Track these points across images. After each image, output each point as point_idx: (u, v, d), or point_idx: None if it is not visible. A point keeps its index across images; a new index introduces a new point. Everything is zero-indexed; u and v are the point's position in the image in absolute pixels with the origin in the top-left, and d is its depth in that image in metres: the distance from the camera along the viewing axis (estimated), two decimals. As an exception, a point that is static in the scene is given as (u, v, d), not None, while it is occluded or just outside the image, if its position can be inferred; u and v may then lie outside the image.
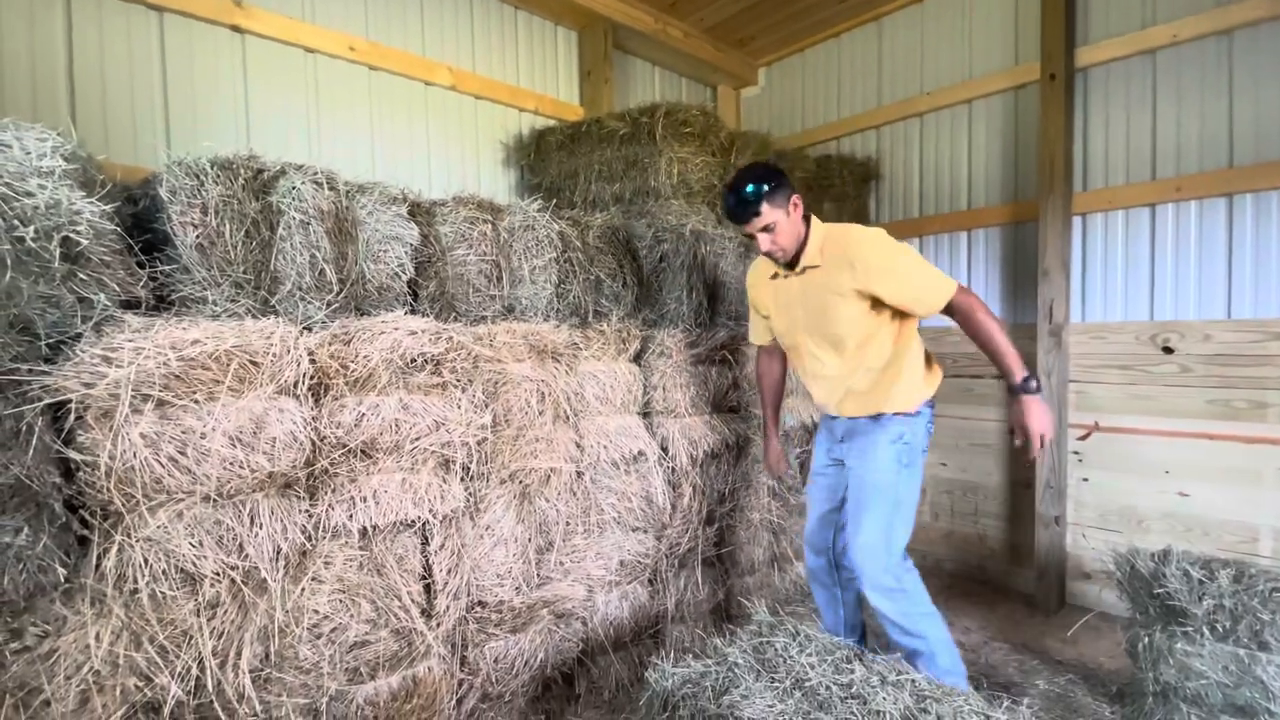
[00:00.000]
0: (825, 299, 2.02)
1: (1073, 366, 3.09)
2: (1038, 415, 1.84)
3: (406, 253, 1.96)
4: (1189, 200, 2.83)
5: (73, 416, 1.39)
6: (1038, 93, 3.14)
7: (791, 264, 2.09)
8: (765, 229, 1.97)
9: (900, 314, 2.02)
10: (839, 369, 2.09)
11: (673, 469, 2.70)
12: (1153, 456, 2.91)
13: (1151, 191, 2.91)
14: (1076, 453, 3.11)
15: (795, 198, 1.99)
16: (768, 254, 2.05)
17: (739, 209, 1.96)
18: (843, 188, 3.75)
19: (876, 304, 1.99)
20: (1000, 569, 3.42)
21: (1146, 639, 2.01)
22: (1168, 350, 2.87)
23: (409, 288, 2.05)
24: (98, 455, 1.39)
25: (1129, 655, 2.12)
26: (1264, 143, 2.63)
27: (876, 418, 2.07)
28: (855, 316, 2.00)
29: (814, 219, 2.07)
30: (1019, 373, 1.86)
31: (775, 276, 2.19)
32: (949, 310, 1.95)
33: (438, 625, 1.99)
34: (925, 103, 3.66)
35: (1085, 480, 3.09)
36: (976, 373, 3.50)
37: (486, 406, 2.07)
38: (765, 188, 1.92)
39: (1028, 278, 3.26)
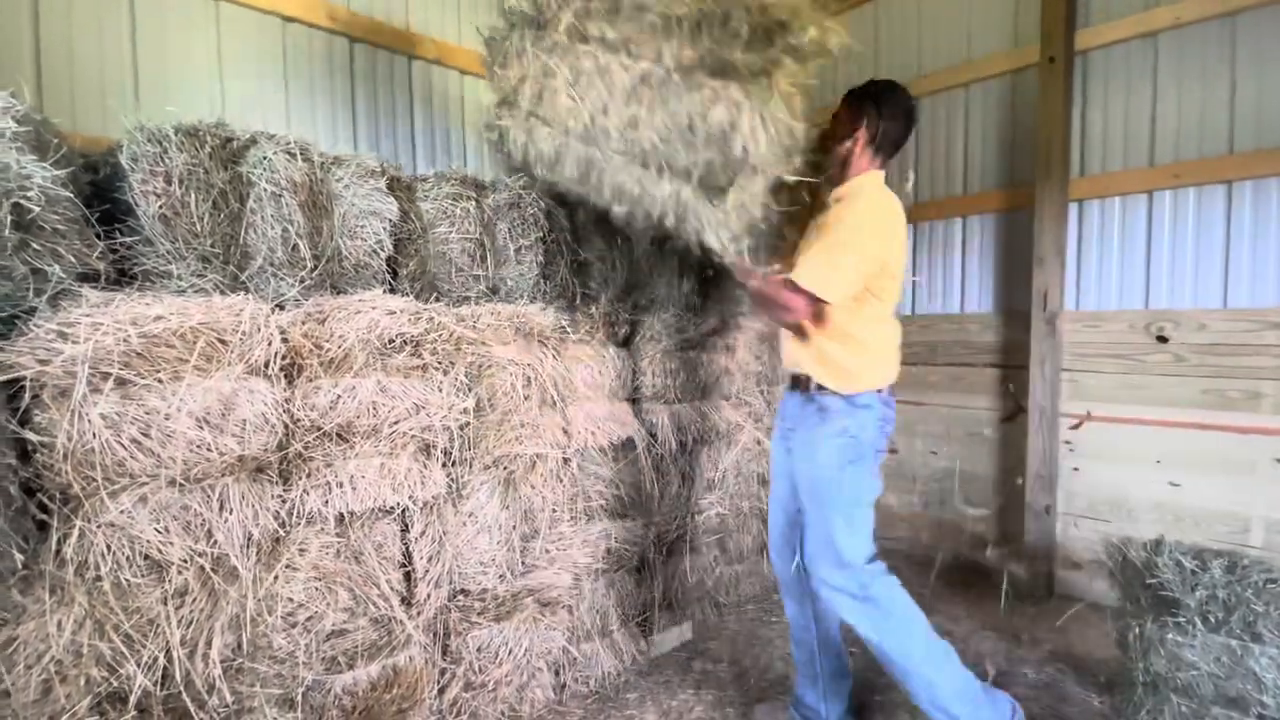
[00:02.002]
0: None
1: (1066, 355, 3.06)
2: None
3: (385, 229, 1.89)
4: (1187, 187, 2.79)
5: (28, 395, 1.32)
6: (1036, 76, 3.08)
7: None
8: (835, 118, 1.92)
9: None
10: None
11: (661, 456, 2.66)
12: (1144, 446, 2.89)
13: (1149, 178, 2.86)
14: (1068, 442, 3.09)
15: (864, 130, 1.85)
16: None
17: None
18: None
19: None
20: (990, 557, 3.41)
21: (1137, 629, 1.99)
22: (1162, 339, 2.84)
23: (388, 265, 1.98)
24: (55, 436, 1.32)
25: (1119, 645, 2.11)
26: (1266, 129, 2.59)
27: (819, 408, 1.87)
28: None
29: (876, 172, 1.88)
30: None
31: None
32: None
33: (418, 614, 1.94)
34: (922, 86, 3.58)
35: (1076, 470, 3.07)
36: (968, 361, 3.47)
37: (470, 390, 2.01)
38: (864, 90, 1.89)
39: (1022, 265, 3.22)
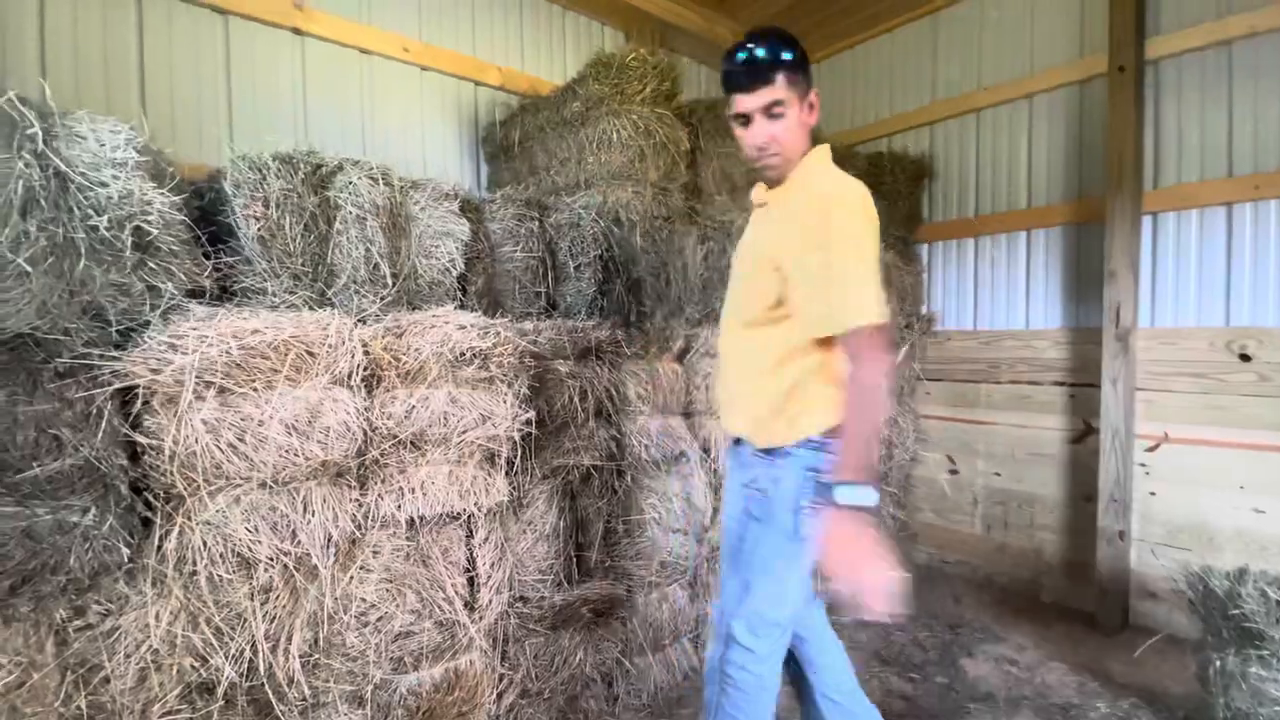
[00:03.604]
0: (758, 253, 1.52)
1: (1141, 373, 2.94)
2: (842, 544, 1.25)
3: (458, 248, 1.98)
4: (1269, 199, 2.67)
5: (140, 401, 1.43)
6: (1104, 86, 3.00)
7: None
8: (770, 110, 1.40)
9: None
10: (729, 349, 1.61)
11: (715, 471, 2.66)
12: (1226, 470, 2.74)
13: (1228, 190, 2.75)
14: (1143, 465, 2.95)
15: (815, 94, 1.47)
16: (759, 154, 1.46)
17: (744, 69, 1.40)
18: (894, 185, 3.65)
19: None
20: (1058, 585, 3.27)
21: (1219, 662, 1.90)
22: (1244, 358, 2.70)
23: (458, 283, 2.07)
24: (162, 440, 1.43)
25: (1198, 679, 2.01)
26: (1354, 138, 2.46)
27: (736, 444, 1.59)
28: (765, 284, 1.45)
29: (823, 148, 1.50)
30: (845, 473, 1.28)
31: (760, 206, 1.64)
32: (844, 347, 1.36)
33: (480, 619, 1.99)
34: (983, 98, 3.54)
35: (1152, 494, 2.94)
36: (1033, 379, 3.36)
37: (530, 402, 2.07)
38: (785, 55, 1.39)
39: (1092, 280, 3.12)
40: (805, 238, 1.36)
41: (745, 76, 1.40)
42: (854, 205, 1.36)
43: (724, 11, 3.87)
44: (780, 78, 1.39)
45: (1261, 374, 2.66)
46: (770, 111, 1.40)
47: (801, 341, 1.42)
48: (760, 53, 1.39)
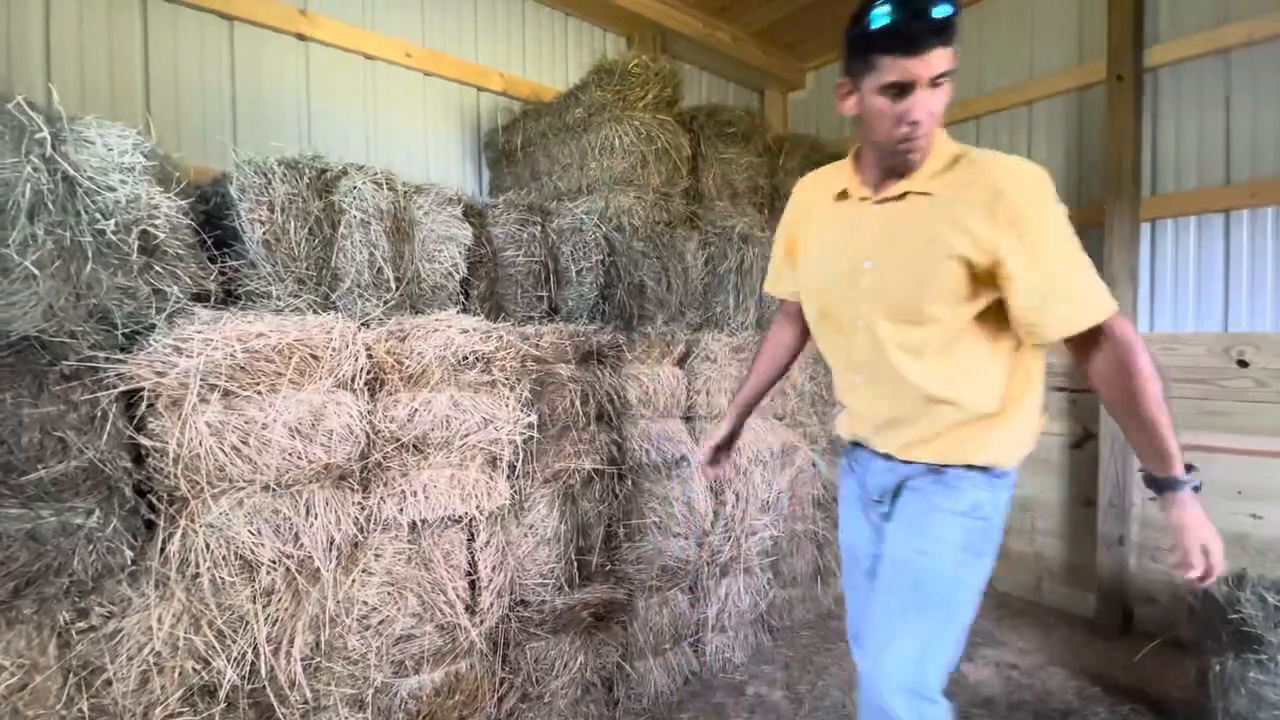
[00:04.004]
0: (927, 249, 1.21)
1: (1138, 379, 2.95)
2: (1205, 527, 1.15)
3: (460, 253, 1.99)
4: (1265, 206, 2.69)
5: (144, 404, 1.44)
6: (1103, 94, 3.02)
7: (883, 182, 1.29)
8: (937, 80, 1.13)
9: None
10: (915, 371, 1.28)
11: (715, 475, 2.67)
12: (1224, 476, 2.75)
13: (1225, 196, 2.77)
14: (1142, 470, 2.96)
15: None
16: (912, 132, 1.17)
17: (916, 25, 1.09)
18: (893, 192, 3.67)
19: (989, 285, 1.20)
20: (1058, 590, 3.28)
21: (1217, 667, 1.91)
22: (1242, 363, 2.71)
23: (461, 287, 2.07)
24: (166, 442, 1.44)
25: (1197, 684, 2.02)
26: (1350, 145, 2.48)
27: (942, 470, 1.31)
28: (962, 290, 1.21)
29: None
30: (1180, 461, 1.17)
31: (843, 196, 1.36)
32: (1092, 341, 1.20)
33: (481, 622, 2.00)
34: (982, 105, 3.56)
35: (1152, 499, 2.94)
36: (1032, 384, 3.37)
37: (532, 405, 2.08)
38: (956, 10, 1.10)
39: (1089, 286, 3.13)
40: (1037, 214, 1.15)
41: (917, 35, 1.09)
42: (1050, 183, 1.18)
43: (725, 18, 3.90)
44: (953, 39, 1.12)
45: (1259, 380, 2.67)
46: (937, 81, 1.13)
47: (1014, 345, 1.29)
48: (940, 6, 1.08)
